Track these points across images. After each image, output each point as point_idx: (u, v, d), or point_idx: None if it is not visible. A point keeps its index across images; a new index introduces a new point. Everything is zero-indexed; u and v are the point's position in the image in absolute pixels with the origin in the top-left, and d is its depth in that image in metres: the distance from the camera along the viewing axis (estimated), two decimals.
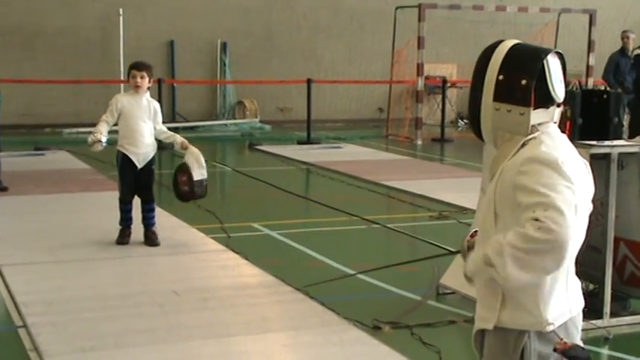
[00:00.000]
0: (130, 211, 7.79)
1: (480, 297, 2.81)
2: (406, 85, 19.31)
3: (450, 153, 16.08)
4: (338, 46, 21.20)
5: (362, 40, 21.20)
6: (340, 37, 21.25)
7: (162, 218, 8.36)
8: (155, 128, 7.76)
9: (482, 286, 2.77)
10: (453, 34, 20.96)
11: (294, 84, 18.99)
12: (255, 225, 8.94)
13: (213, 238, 8.19)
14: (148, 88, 7.77)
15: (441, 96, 18.85)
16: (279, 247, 8.14)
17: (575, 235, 2.51)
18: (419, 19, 17.02)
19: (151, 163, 7.76)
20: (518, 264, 2.51)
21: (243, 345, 5.41)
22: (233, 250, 7.68)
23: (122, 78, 17.71)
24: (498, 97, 2.70)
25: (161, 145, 7.87)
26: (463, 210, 9.56)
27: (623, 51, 14.04)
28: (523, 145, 2.67)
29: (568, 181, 2.55)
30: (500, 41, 2.78)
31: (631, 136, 8.40)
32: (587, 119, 6.01)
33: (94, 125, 7.80)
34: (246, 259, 7.38)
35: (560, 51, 2.78)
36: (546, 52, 2.71)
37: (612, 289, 5.71)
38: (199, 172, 7.54)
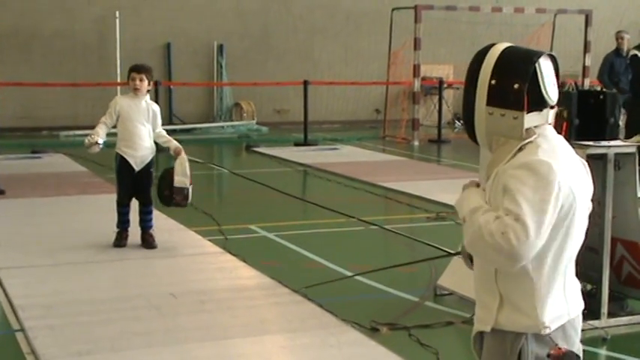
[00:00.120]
0: (127, 213, 7.78)
1: (478, 299, 2.80)
2: (403, 86, 19.31)
3: (446, 154, 16.08)
4: (334, 48, 21.20)
5: (358, 42, 21.20)
6: (337, 38, 21.25)
7: (160, 221, 8.34)
8: (154, 131, 7.75)
9: (481, 288, 2.77)
10: (450, 35, 20.96)
11: (290, 85, 18.98)
12: (253, 227, 8.93)
13: (210, 240, 8.17)
14: (148, 90, 7.76)
15: (437, 97, 18.85)
16: (277, 249, 8.13)
17: (532, 253, 2.54)
18: (415, 21, 17.03)
19: (149, 165, 7.74)
20: (475, 242, 2.58)
21: (241, 347, 5.40)
22: (230, 253, 7.66)
23: (119, 80, 17.72)
24: (491, 101, 2.69)
25: (159, 147, 7.86)
26: None
27: (617, 51, 14.05)
28: (520, 149, 2.66)
29: (552, 192, 2.54)
30: (492, 45, 2.76)
31: (627, 137, 8.40)
32: (584, 120, 6.01)
33: (91, 128, 7.79)
34: (244, 261, 7.37)
35: (553, 53, 2.78)
36: (538, 55, 2.70)
37: (610, 289, 5.71)
38: (180, 180, 7.48)
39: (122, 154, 7.67)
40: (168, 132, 8.27)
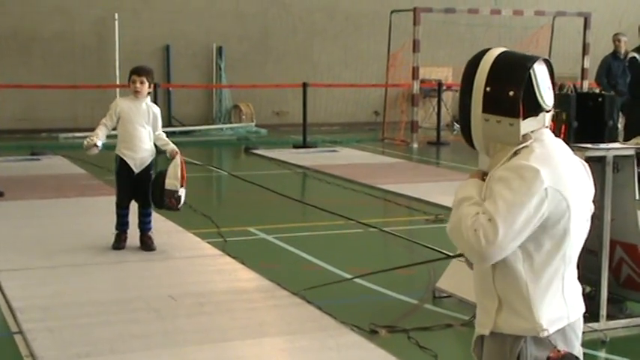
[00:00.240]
0: (126, 215, 7.77)
1: (478, 303, 2.81)
2: (402, 88, 19.31)
3: (445, 156, 16.08)
4: (334, 50, 21.20)
5: (358, 44, 21.20)
6: (336, 40, 21.25)
7: (159, 223, 8.33)
8: (154, 133, 7.75)
9: (480, 292, 2.78)
10: (449, 38, 20.97)
11: (289, 88, 18.98)
12: (252, 229, 8.93)
13: (209, 242, 8.17)
14: (149, 93, 7.75)
15: (436, 99, 18.85)
16: (276, 252, 8.12)
17: (500, 255, 2.56)
18: (414, 23, 17.03)
19: (148, 168, 7.73)
20: (453, 230, 2.63)
21: (240, 350, 5.39)
22: (229, 255, 7.65)
23: (118, 83, 17.71)
24: (487, 108, 2.69)
25: (158, 149, 7.85)
26: None
27: (615, 54, 14.05)
28: (515, 153, 2.66)
29: (534, 199, 2.54)
30: (487, 50, 2.76)
31: (626, 139, 8.41)
32: (583, 122, 6.02)
33: (90, 130, 7.79)
34: (243, 263, 7.36)
35: (547, 57, 2.77)
36: (532, 60, 2.69)
37: (609, 291, 5.71)
38: (171, 182, 7.45)
39: (122, 156, 7.67)
40: (167, 134, 8.26)
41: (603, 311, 5.67)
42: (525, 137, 2.67)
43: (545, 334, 2.65)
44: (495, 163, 2.70)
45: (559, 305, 2.69)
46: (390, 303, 6.41)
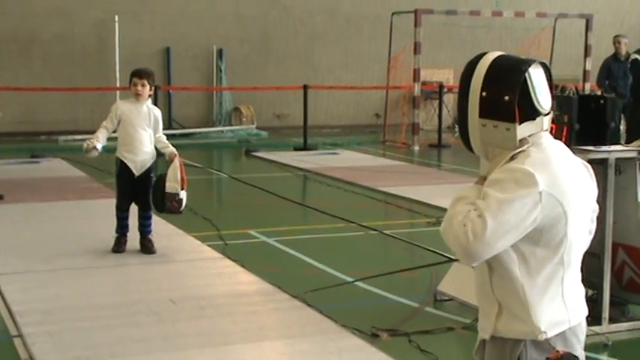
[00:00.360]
0: (126, 218, 7.77)
1: (479, 307, 2.82)
2: (403, 90, 19.31)
3: (447, 158, 16.08)
4: (334, 52, 21.21)
5: (358, 46, 21.21)
6: (337, 42, 21.26)
7: (159, 226, 8.33)
8: (154, 135, 7.75)
9: (480, 296, 2.78)
10: (450, 40, 20.98)
11: (290, 90, 18.98)
12: (252, 232, 8.93)
13: (209, 245, 8.17)
14: (150, 95, 7.75)
15: (437, 101, 18.85)
16: (276, 255, 8.13)
17: (486, 252, 2.56)
18: (415, 25, 17.03)
19: (149, 171, 7.73)
20: (445, 227, 2.63)
21: (241, 353, 5.39)
22: (229, 258, 7.65)
23: (118, 85, 17.72)
24: (483, 113, 2.70)
25: (158, 152, 7.85)
26: None
27: (615, 56, 14.06)
28: (512, 157, 2.66)
29: (526, 201, 2.54)
30: (483, 54, 2.76)
31: (628, 141, 8.40)
32: (585, 125, 6.01)
33: (90, 132, 7.79)
34: (243, 266, 7.36)
35: (544, 60, 2.77)
36: (527, 64, 2.69)
37: (611, 295, 5.70)
38: (172, 185, 7.46)
39: (122, 158, 7.66)
40: (168, 136, 8.26)
41: (605, 314, 5.67)
42: (523, 141, 2.67)
43: (544, 336, 2.65)
44: (493, 167, 2.71)
45: (559, 309, 2.69)
46: (391, 306, 6.41)
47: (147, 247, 7.73)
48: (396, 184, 12.09)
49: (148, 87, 7.64)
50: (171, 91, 19.48)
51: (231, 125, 20.03)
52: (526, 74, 2.67)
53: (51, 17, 18.97)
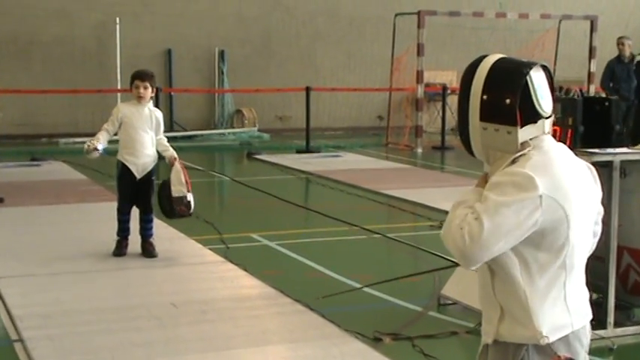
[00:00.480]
0: (127, 221, 7.77)
1: (483, 312, 2.83)
2: (406, 92, 19.31)
3: (450, 161, 16.07)
4: (337, 54, 21.22)
5: (361, 47, 21.22)
6: (339, 44, 21.27)
7: (160, 229, 8.34)
8: (155, 137, 7.76)
9: (483, 300, 2.79)
10: (453, 41, 20.98)
11: (292, 92, 19.00)
12: (254, 235, 8.93)
13: (211, 249, 8.17)
14: (151, 97, 7.76)
15: (441, 103, 18.85)
16: (279, 258, 8.13)
17: (483, 256, 2.57)
18: (418, 26, 17.04)
19: (150, 173, 7.73)
20: (444, 232, 2.66)
21: (243, 358, 5.40)
22: (231, 262, 7.66)
23: (119, 87, 17.74)
24: (484, 117, 2.71)
25: (160, 155, 7.86)
26: None
27: (619, 58, 14.05)
28: (514, 161, 2.67)
29: (525, 205, 2.55)
30: (484, 57, 2.76)
31: (633, 144, 8.40)
32: (589, 127, 6.02)
33: (91, 135, 7.80)
34: (245, 270, 7.37)
35: (545, 63, 2.78)
36: (529, 66, 2.69)
37: (616, 298, 5.70)
38: (178, 189, 7.49)
39: (124, 161, 7.66)
40: (169, 139, 8.28)
41: (610, 318, 5.66)
42: (524, 145, 2.68)
43: (546, 341, 2.65)
44: (494, 170, 2.71)
45: (561, 313, 2.69)
46: (394, 310, 6.41)
47: (148, 250, 7.74)
48: (399, 186, 12.09)
49: (150, 89, 7.64)
50: (172, 93, 19.50)
51: (232, 127, 20.04)
52: (527, 77, 2.67)
53: (51, 19, 18.99)
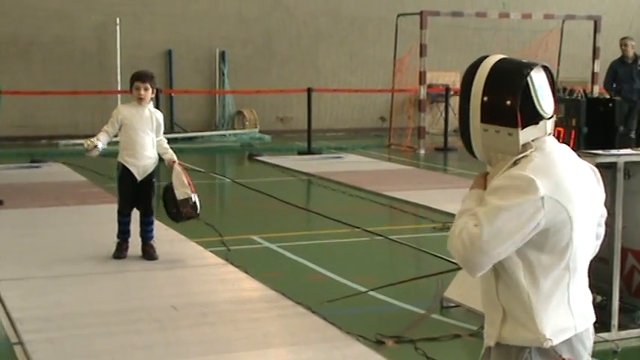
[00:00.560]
0: (128, 223, 7.77)
1: (485, 314, 2.83)
2: (408, 93, 19.32)
3: (453, 162, 16.07)
4: (339, 54, 21.22)
5: (363, 48, 21.22)
6: (341, 44, 21.27)
7: (161, 231, 8.34)
8: (155, 139, 7.76)
9: (486, 303, 2.79)
10: (456, 42, 20.98)
11: (294, 93, 19.00)
12: (255, 237, 8.93)
13: (212, 251, 8.17)
14: (151, 99, 7.76)
15: (444, 104, 18.85)
16: (280, 260, 8.13)
17: (485, 261, 2.59)
18: (421, 27, 17.05)
19: (151, 175, 7.74)
20: (449, 241, 2.68)
21: None
22: (232, 264, 7.66)
23: (119, 88, 17.75)
24: (485, 118, 2.71)
25: (161, 157, 7.86)
26: None
27: (622, 59, 14.05)
28: (515, 163, 2.67)
29: (525, 208, 2.55)
30: (484, 58, 2.77)
31: (638, 145, 8.41)
32: (593, 128, 6.01)
33: (91, 137, 7.79)
34: (246, 272, 7.37)
35: (546, 63, 2.78)
36: (529, 67, 2.70)
37: (620, 301, 5.70)
38: (182, 192, 7.51)
39: (124, 163, 7.66)
40: (169, 140, 8.29)
41: (615, 321, 5.66)
42: (526, 146, 2.68)
43: (549, 343, 2.65)
44: (496, 172, 2.72)
45: (564, 316, 2.69)
46: (396, 313, 6.41)
47: (148, 253, 7.74)
48: (401, 188, 12.09)
49: (150, 90, 7.64)
50: (173, 94, 19.51)
51: (234, 129, 20.05)
52: (528, 78, 2.67)
53: (51, 20, 19.01)
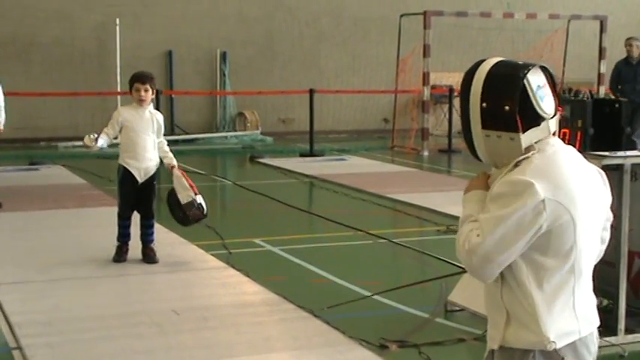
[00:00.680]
0: (128, 226, 7.78)
1: (488, 317, 2.84)
2: (412, 94, 19.32)
3: (457, 164, 16.06)
4: (341, 55, 21.23)
5: (366, 49, 21.23)
6: (344, 45, 21.28)
7: (161, 234, 8.35)
8: (156, 141, 7.77)
9: (489, 305, 2.80)
10: (460, 42, 20.95)
11: (296, 94, 19.00)
12: (257, 241, 8.94)
13: (213, 254, 8.18)
14: (152, 100, 7.77)
15: (447, 106, 18.85)
16: (282, 264, 8.13)
17: (489, 268, 2.64)
18: (424, 27, 17.05)
19: (152, 178, 7.74)
20: (456, 249, 2.74)
21: None
22: (234, 267, 7.66)
23: (119, 89, 17.75)
24: (486, 124, 2.74)
25: (161, 159, 7.88)
26: None
27: (627, 59, 14.05)
28: (517, 164, 2.69)
29: (525, 212, 2.57)
30: (481, 62, 2.78)
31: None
32: (599, 129, 6.01)
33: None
34: (248, 276, 7.37)
35: (543, 64, 2.78)
36: (525, 70, 2.70)
37: (627, 304, 5.69)
38: (185, 196, 7.54)
39: (126, 165, 7.66)
40: (170, 142, 8.29)
41: (621, 325, 5.65)
42: (530, 148, 2.70)
43: (553, 346, 2.66)
44: (499, 173, 2.74)
45: (569, 319, 2.70)
46: (400, 317, 6.41)
47: (149, 256, 7.74)
48: (405, 190, 12.09)
49: (150, 91, 7.65)
50: (173, 95, 19.52)
51: (235, 131, 20.05)
52: (524, 81, 2.68)
53: (50, 20, 19.03)
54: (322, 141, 18.12)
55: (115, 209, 7.92)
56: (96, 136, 7.51)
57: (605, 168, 5.26)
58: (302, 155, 16.45)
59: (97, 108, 17.62)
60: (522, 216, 2.57)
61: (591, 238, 2.72)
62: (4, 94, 10.85)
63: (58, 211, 10.47)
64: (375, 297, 6.77)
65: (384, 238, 9.07)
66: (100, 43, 19.37)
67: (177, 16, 19.90)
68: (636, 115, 12.49)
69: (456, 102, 18.98)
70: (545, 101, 2.71)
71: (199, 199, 7.59)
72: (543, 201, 2.57)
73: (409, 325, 6.16)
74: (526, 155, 2.68)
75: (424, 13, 17.11)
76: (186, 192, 7.53)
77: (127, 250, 7.79)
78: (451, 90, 18.78)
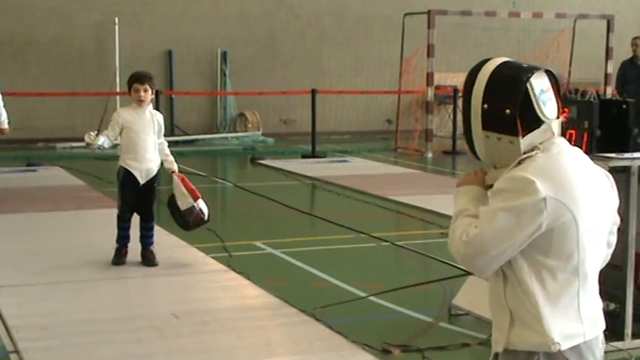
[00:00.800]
0: (128, 228, 7.79)
1: (493, 320, 2.85)
2: (415, 95, 19.32)
3: (461, 166, 16.06)
4: (344, 55, 21.23)
5: (369, 49, 21.23)
6: (346, 45, 21.29)
7: (161, 237, 8.36)
8: (157, 141, 7.79)
9: (493, 307, 2.82)
10: (465, 42, 20.96)
11: (298, 95, 19.01)
12: (258, 243, 8.94)
13: (213, 257, 8.19)
14: (151, 100, 7.78)
15: (452, 106, 18.86)
16: (283, 267, 8.14)
17: (485, 263, 2.66)
18: (428, 26, 17.05)
19: (153, 180, 7.75)
20: (449, 242, 2.76)
21: None
22: (235, 270, 7.67)
23: (118, 90, 17.76)
24: (486, 126, 2.76)
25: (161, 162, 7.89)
26: None
27: (632, 59, 14.06)
28: (520, 162, 2.71)
29: (525, 209, 2.59)
30: (485, 61, 2.79)
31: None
32: (606, 130, 6.01)
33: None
34: (249, 279, 7.38)
35: (548, 67, 2.79)
36: (529, 73, 2.72)
37: (634, 309, 5.69)
38: (184, 202, 7.58)
39: (126, 166, 7.67)
40: (170, 143, 8.30)
41: (628, 330, 5.65)
42: (533, 148, 2.72)
43: (557, 347, 2.67)
44: (500, 172, 2.77)
45: (573, 321, 2.71)
46: (403, 321, 6.42)
47: (148, 259, 7.75)
48: (408, 192, 12.10)
49: (150, 92, 7.67)
50: (173, 96, 19.54)
51: (236, 132, 20.06)
52: (527, 84, 2.69)
53: (48, 19, 19.05)
54: (324, 142, 18.12)
55: (114, 211, 7.93)
56: (96, 132, 7.53)
57: (612, 170, 5.26)
58: (304, 157, 16.46)
59: (96, 108, 17.58)
60: (522, 212, 2.59)
61: (596, 241, 2.72)
62: (2, 93, 10.86)
63: (56, 213, 10.48)
64: (379, 301, 6.77)
65: (387, 241, 9.07)
66: (99, 42, 19.38)
67: (177, 15, 19.91)
68: None
69: (460, 103, 19.12)
70: (547, 106, 2.72)
71: (200, 203, 7.61)
72: (544, 199, 2.58)
73: (412, 329, 6.17)
74: (530, 154, 2.70)
75: (428, 13, 17.12)
76: (185, 199, 7.56)
77: (126, 252, 7.80)
78: (455, 90, 18.78)
